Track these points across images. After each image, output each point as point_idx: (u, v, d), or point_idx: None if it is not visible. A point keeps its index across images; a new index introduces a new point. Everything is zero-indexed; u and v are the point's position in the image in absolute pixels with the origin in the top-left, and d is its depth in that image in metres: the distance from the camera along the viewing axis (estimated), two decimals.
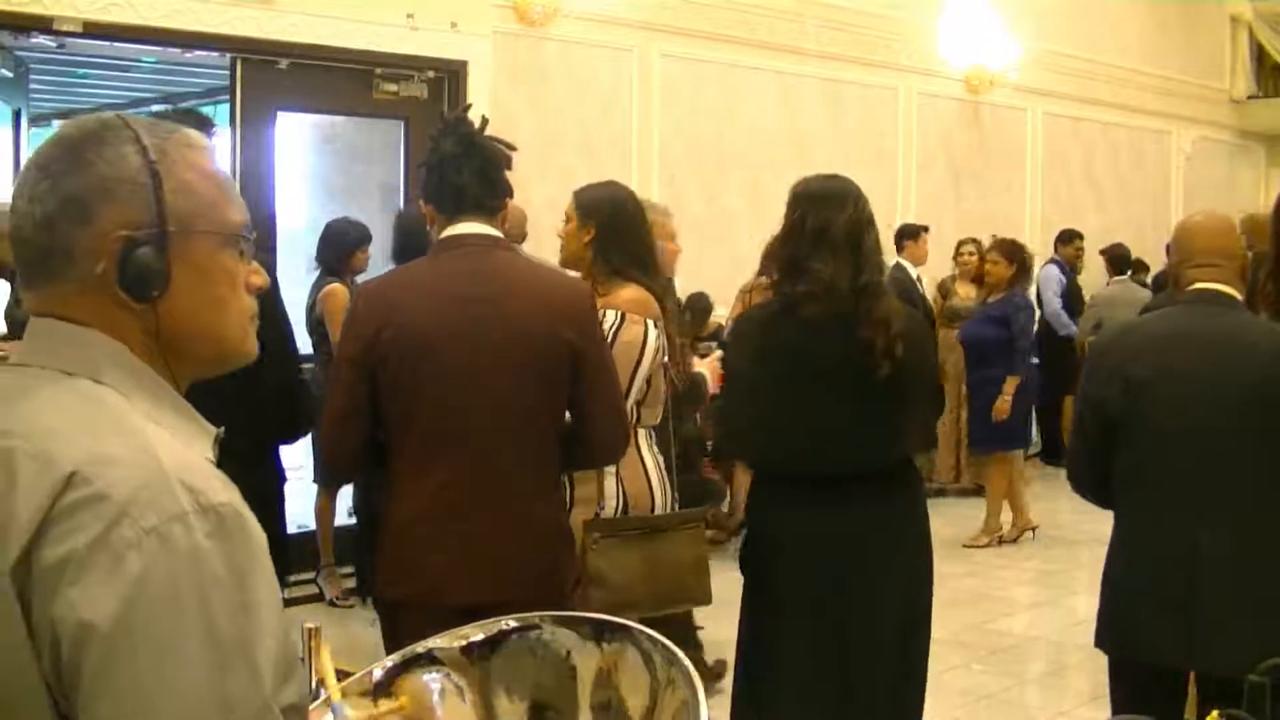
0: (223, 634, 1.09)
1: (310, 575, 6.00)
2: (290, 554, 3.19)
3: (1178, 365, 2.96)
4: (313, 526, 6.28)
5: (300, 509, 5.87)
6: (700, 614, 5.91)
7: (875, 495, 3.20)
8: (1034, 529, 7.69)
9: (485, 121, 2.87)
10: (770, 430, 3.25)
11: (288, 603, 3.16)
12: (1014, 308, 7.48)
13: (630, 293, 3.27)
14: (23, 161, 6.75)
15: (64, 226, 1.21)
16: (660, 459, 3.39)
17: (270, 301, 2.86)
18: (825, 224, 3.16)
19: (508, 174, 2.87)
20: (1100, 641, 3.09)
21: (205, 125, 2.99)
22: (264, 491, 3.06)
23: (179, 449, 1.17)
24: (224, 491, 1.15)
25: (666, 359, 3.39)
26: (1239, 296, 3.03)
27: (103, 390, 1.19)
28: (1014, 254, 7.58)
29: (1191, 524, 2.90)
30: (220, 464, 2.83)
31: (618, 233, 3.35)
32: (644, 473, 3.32)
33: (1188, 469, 2.92)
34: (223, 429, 1.31)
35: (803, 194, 3.24)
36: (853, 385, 3.12)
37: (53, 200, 1.21)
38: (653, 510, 3.32)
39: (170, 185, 1.23)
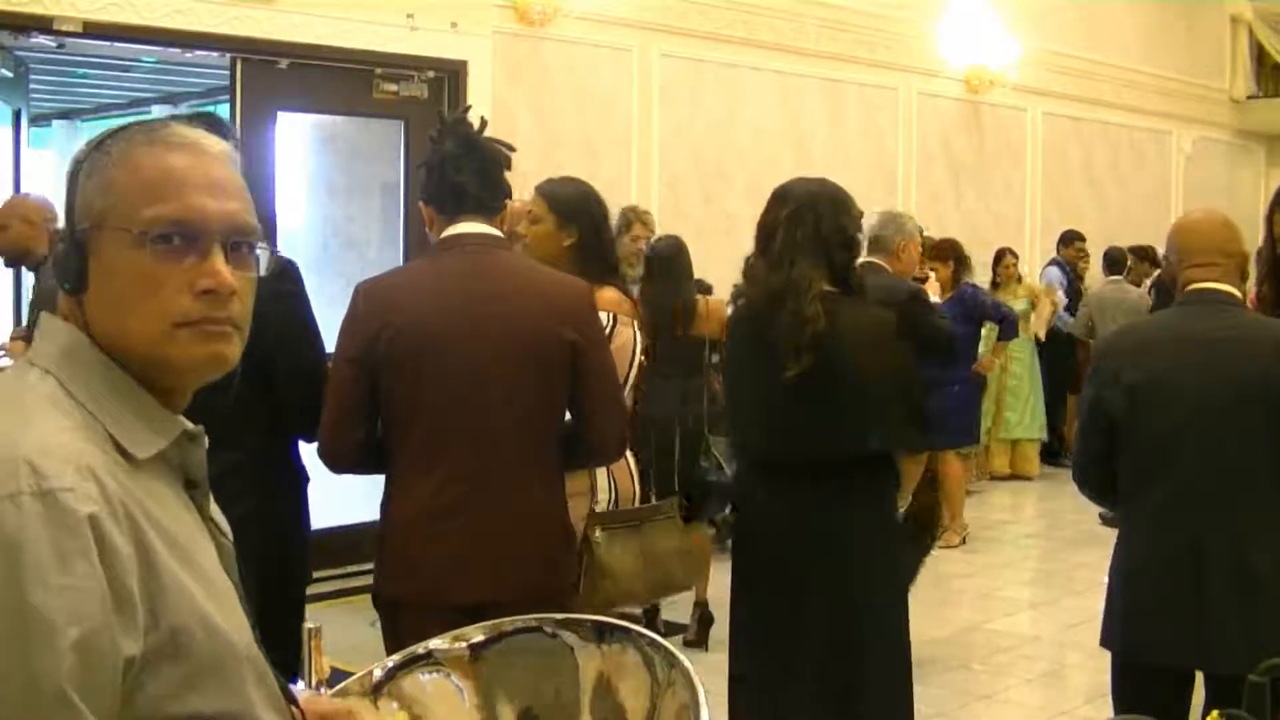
0: (35, 614, 1.10)
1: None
2: (311, 553, 3.19)
3: (1179, 366, 2.95)
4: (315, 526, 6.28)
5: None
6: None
7: (834, 487, 3.22)
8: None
9: (484, 122, 2.88)
10: (737, 417, 3.47)
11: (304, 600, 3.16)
12: (974, 299, 7.57)
13: (611, 294, 3.30)
14: (22, 161, 6.73)
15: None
16: (633, 452, 3.44)
17: (281, 308, 2.86)
18: (759, 224, 3.31)
19: (507, 174, 2.87)
20: (1105, 641, 3.10)
21: (217, 126, 2.97)
22: (287, 492, 3.05)
23: (63, 435, 1.18)
24: (73, 478, 1.15)
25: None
26: (1238, 295, 3.02)
27: (45, 379, 1.24)
28: (947, 252, 7.64)
29: (1196, 524, 2.90)
30: (238, 466, 2.79)
31: (599, 237, 3.40)
32: (628, 466, 3.38)
33: (1192, 469, 2.92)
34: (201, 426, 1.31)
35: None
36: (777, 377, 3.17)
37: None
38: (634, 502, 3.40)
39: (95, 183, 1.27)
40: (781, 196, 3.29)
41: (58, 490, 1.13)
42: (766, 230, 3.27)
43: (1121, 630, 3.05)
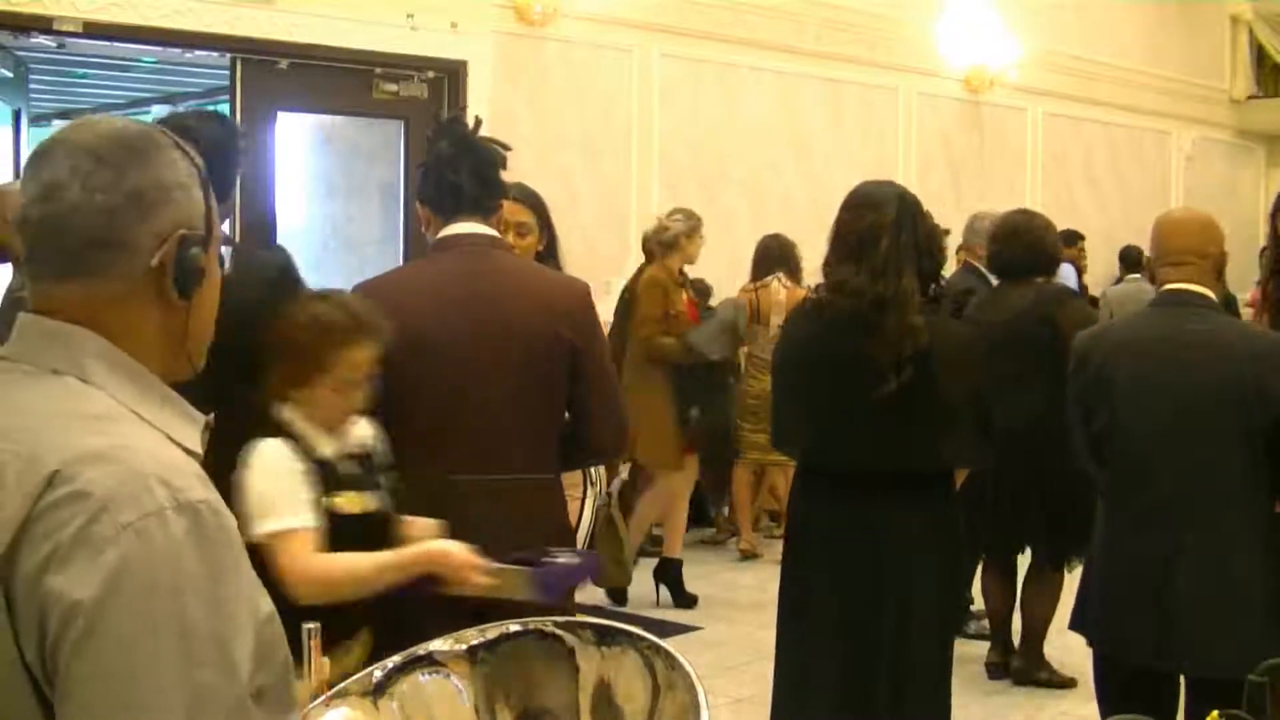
0: (195, 628, 1.12)
1: None
2: None
3: (1156, 369, 2.97)
4: None
5: None
6: (700, 615, 5.91)
7: (899, 498, 3.16)
8: None
9: (479, 122, 2.87)
10: (801, 425, 3.31)
11: None
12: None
13: None
14: (23, 161, 6.74)
15: (125, 220, 1.23)
16: None
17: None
18: (845, 228, 3.19)
19: (505, 174, 2.87)
20: (1075, 624, 3.13)
21: (231, 130, 2.97)
22: None
23: (160, 446, 1.20)
24: (202, 489, 1.18)
25: None
26: (1212, 295, 3.02)
27: (88, 389, 1.22)
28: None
29: (1173, 526, 2.92)
30: (220, 456, 2.82)
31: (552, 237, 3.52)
32: None
33: (1169, 472, 2.94)
34: (211, 416, 1.33)
35: (847, 198, 3.26)
36: (869, 390, 3.09)
37: (118, 193, 1.22)
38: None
39: (191, 193, 1.29)
40: (872, 202, 3.17)
41: (196, 502, 1.16)
42: (864, 236, 3.13)
43: (1096, 625, 3.07)
